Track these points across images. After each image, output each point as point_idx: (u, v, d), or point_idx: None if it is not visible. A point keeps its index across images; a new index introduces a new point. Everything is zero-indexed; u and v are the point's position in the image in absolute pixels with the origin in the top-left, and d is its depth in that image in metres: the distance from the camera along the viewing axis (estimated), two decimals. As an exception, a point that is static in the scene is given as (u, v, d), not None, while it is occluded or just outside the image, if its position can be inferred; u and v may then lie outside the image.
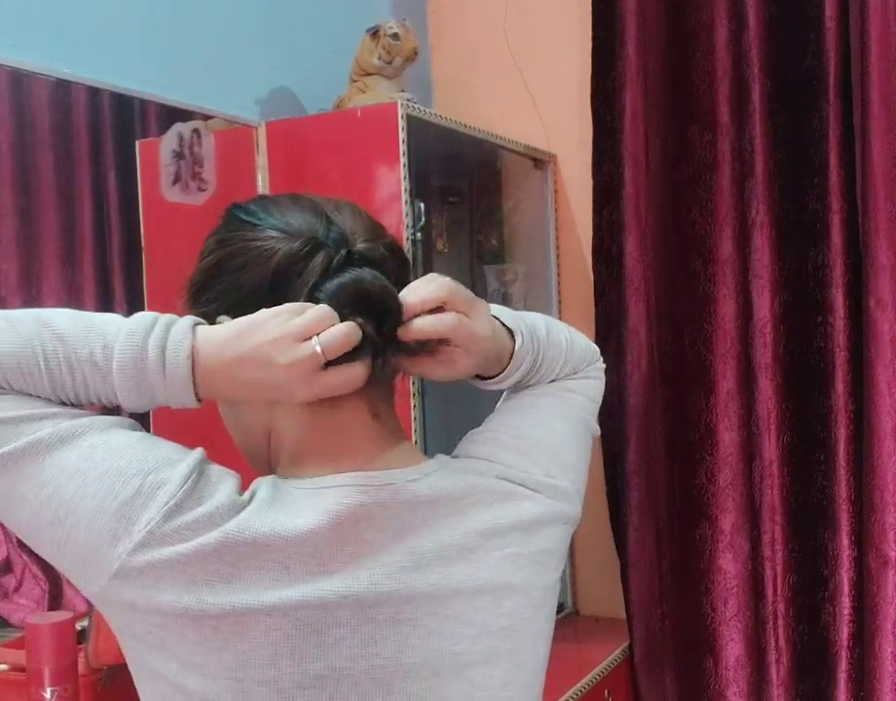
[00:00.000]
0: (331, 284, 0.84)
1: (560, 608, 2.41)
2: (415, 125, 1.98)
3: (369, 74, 2.12)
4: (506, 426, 0.98)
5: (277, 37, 2.18)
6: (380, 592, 0.83)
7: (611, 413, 2.29)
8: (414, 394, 1.93)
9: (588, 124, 2.39)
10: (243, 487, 0.84)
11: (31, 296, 1.79)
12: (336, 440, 0.89)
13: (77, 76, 1.72)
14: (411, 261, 1.31)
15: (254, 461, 0.94)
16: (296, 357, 0.81)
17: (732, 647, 2.26)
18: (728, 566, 2.25)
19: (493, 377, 0.98)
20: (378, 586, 0.83)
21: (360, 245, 0.87)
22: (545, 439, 0.98)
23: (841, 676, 2.17)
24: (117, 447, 0.81)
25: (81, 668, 1.46)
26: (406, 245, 1.89)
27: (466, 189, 2.61)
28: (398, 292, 0.87)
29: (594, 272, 2.41)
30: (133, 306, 1.89)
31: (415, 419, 1.93)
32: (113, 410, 0.85)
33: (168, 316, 0.83)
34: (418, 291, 0.87)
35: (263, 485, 0.85)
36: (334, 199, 0.93)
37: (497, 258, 2.57)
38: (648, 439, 2.35)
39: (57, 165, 1.84)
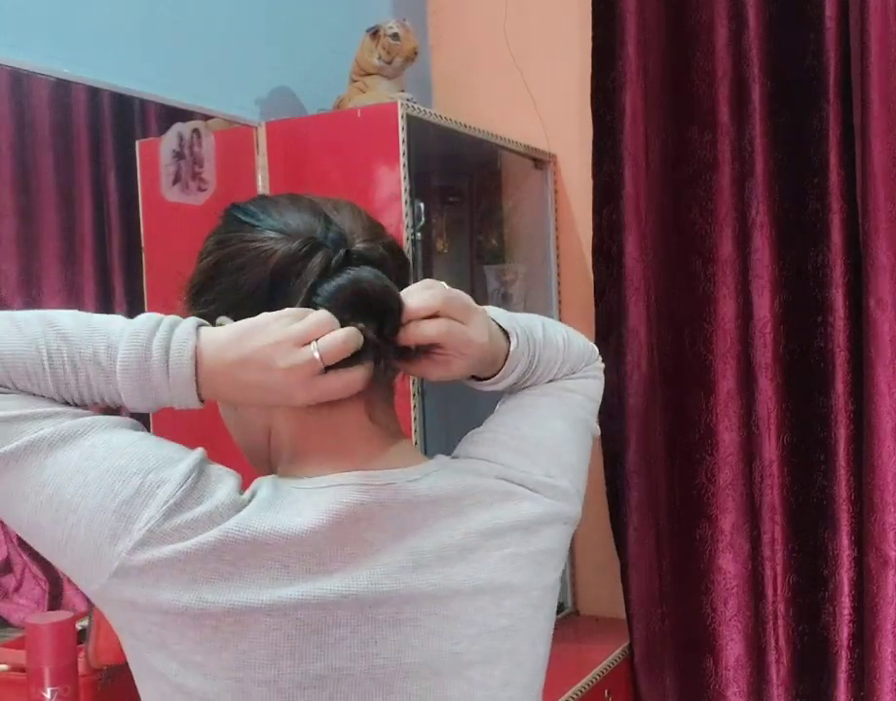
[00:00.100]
0: (328, 286, 0.84)
1: (560, 608, 2.41)
2: (415, 125, 1.98)
3: (369, 74, 2.12)
4: (506, 427, 0.98)
5: (277, 37, 2.18)
6: (380, 592, 0.83)
7: (611, 413, 2.29)
8: (414, 394, 1.93)
9: (588, 124, 2.39)
10: (244, 486, 0.84)
11: (31, 296, 1.79)
12: (334, 440, 0.89)
13: (77, 76, 1.72)
14: (411, 261, 1.30)
15: (254, 460, 0.95)
16: (295, 362, 0.81)
17: (732, 647, 2.26)
18: (728, 566, 2.25)
19: (489, 378, 0.99)
20: (378, 586, 0.83)
21: (359, 245, 0.87)
22: (545, 439, 0.98)
23: (841, 676, 2.17)
24: (118, 446, 0.81)
25: (81, 668, 1.46)
26: (406, 245, 1.89)
27: (466, 189, 2.60)
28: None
29: (594, 272, 2.41)
30: (133, 306, 1.89)
31: (415, 419, 1.93)
32: (116, 410, 0.85)
33: (172, 318, 0.83)
34: (412, 298, 0.87)
35: (263, 484, 0.85)
36: (333, 199, 0.93)
37: (497, 258, 2.57)
38: (648, 439, 2.35)
39: (57, 165, 1.84)
